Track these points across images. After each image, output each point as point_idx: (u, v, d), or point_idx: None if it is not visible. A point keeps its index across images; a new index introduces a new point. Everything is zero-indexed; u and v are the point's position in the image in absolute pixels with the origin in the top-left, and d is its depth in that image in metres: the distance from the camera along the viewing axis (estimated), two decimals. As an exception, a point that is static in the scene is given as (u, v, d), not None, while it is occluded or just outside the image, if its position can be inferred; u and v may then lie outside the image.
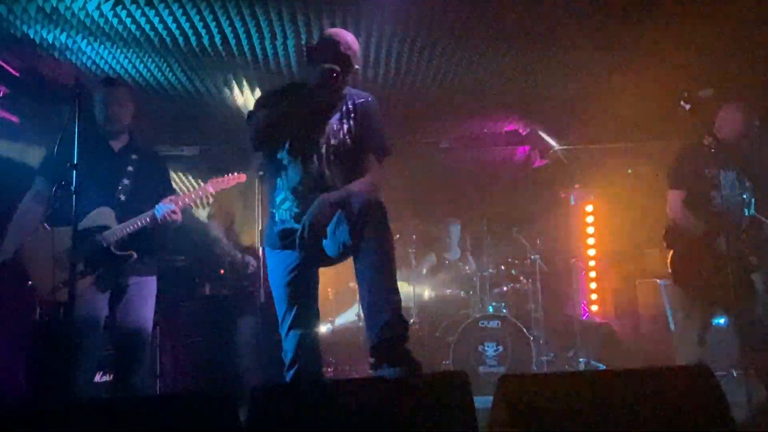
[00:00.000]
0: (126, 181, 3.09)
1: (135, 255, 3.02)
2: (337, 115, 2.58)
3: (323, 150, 2.52)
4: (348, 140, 2.56)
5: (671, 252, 3.62)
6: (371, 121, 2.61)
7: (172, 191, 3.27)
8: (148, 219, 3.02)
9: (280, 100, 2.54)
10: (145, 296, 3.12)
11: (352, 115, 2.58)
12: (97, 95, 3.15)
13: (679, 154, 3.65)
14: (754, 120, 3.52)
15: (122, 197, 3.05)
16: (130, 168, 3.12)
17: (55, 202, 2.93)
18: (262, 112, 2.52)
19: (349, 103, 2.60)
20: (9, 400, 3.63)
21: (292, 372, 2.49)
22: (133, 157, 3.16)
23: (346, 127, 2.57)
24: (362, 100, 2.62)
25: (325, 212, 2.35)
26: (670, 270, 3.63)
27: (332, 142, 2.54)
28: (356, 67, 2.58)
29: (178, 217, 3.07)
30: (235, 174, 3.33)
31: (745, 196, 3.50)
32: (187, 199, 3.13)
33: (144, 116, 5.28)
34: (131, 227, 3.01)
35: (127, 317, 3.05)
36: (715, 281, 3.37)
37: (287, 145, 2.53)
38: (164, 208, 3.01)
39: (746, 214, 3.48)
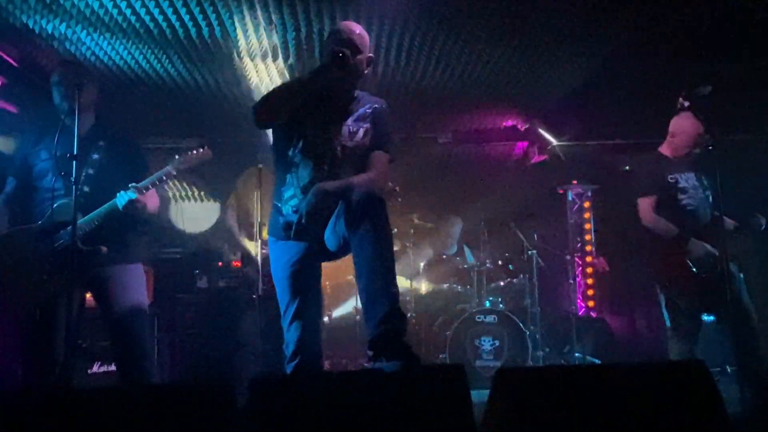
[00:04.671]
0: (90, 171, 2.89)
1: (105, 249, 2.85)
2: (352, 118, 2.59)
3: (338, 151, 2.53)
4: (363, 143, 2.58)
5: (652, 257, 3.74)
6: (385, 126, 2.64)
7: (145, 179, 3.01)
8: (110, 210, 2.84)
9: (290, 84, 2.59)
10: (127, 284, 2.96)
11: (368, 118, 2.60)
12: (54, 77, 2.95)
13: (638, 164, 3.86)
14: (701, 128, 3.64)
15: (86, 188, 2.85)
16: (95, 156, 2.93)
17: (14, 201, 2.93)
18: (271, 90, 2.56)
19: (366, 107, 2.62)
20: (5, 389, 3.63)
21: (293, 364, 2.50)
22: (100, 143, 2.97)
23: (362, 130, 2.58)
24: (377, 105, 2.65)
25: (322, 200, 2.36)
26: (654, 274, 3.76)
27: (347, 144, 2.55)
28: (368, 54, 2.60)
29: (146, 203, 2.90)
30: (199, 151, 3.01)
31: (707, 194, 3.68)
32: (149, 184, 2.90)
33: (143, 108, 5.34)
34: (95, 221, 2.84)
35: (113, 309, 2.93)
36: (696, 279, 3.53)
37: (300, 144, 2.53)
38: (125, 197, 2.81)
39: (710, 211, 3.66)
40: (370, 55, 2.63)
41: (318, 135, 2.53)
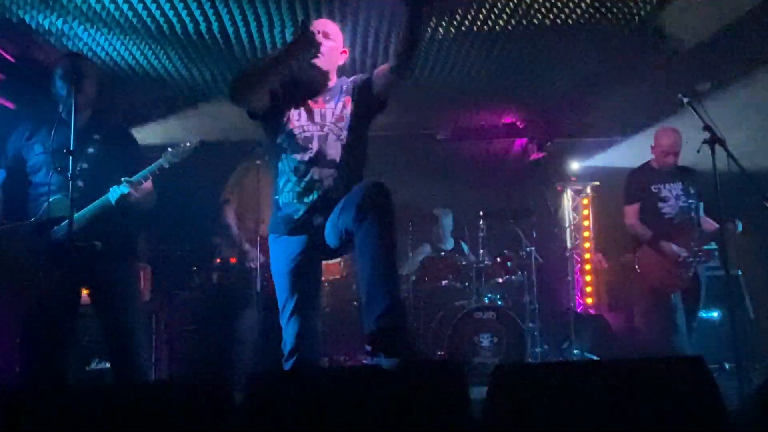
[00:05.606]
0: (85, 165, 2.86)
1: (99, 245, 2.83)
2: (336, 100, 2.65)
3: (325, 131, 2.58)
4: (349, 118, 2.63)
5: (635, 254, 4.36)
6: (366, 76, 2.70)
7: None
8: (103, 205, 2.84)
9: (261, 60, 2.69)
10: (122, 281, 2.95)
11: (348, 94, 2.66)
12: (59, 69, 2.93)
13: (629, 175, 4.42)
14: (680, 141, 4.19)
15: (80, 183, 2.78)
16: (90, 150, 2.91)
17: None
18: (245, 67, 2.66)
19: (344, 85, 2.69)
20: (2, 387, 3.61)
21: (291, 362, 2.50)
22: (96, 137, 2.94)
23: (341, 104, 2.64)
24: (355, 77, 2.72)
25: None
26: (637, 268, 4.35)
27: (334, 125, 2.60)
28: (342, 47, 2.71)
29: (139, 198, 2.89)
30: (192, 143, 3.02)
31: (691, 203, 4.21)
32: (142, 178, 2.89)
33: (141, 104, 5.32)
34: (89, 216, 2.82)
35: (107, 306, 2.93)
36: (665, 275, 4.14)
37: (287, 130, 2.58)
38: (117, 191, 2.81)
39: (693, 217, 4.20)
40: (345, 49, 2.73)
41: (303, 119, 2.60)
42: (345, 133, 2.60)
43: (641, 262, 4.30)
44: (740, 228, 4.16)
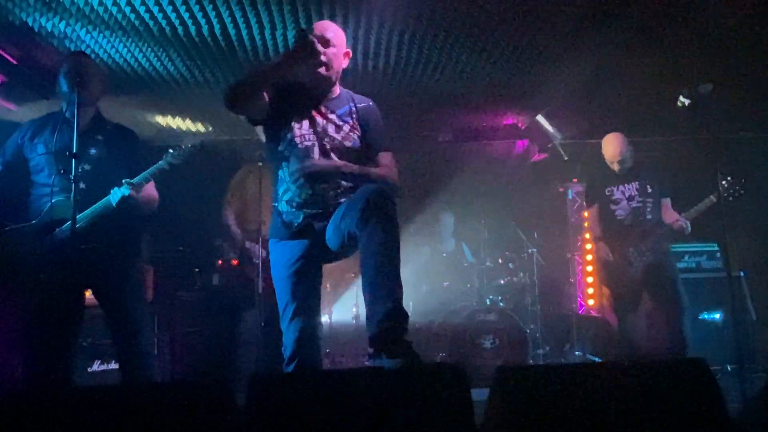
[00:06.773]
0: (87, 166, 2.86)
1: (102, 247, 2.85)
2: (338, 113, 2.62)
3: (325, 142, 2.55)
4: (352, 136, 2.61)
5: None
6: (379, 125, 2.68)
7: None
8: (104, 207, 2.84)
9: (259, 68, 2.75)
10: (127, 282, 2.96)
11: (355, 115, 2.64)
12: (63, 67, 2.93)
13: (587, 179, 4.63)
14: (625, 145, 4.34)
15: (82, 185, 2.77)
16: (93, 150, 2.91)
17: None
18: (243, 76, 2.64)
19: (352, 104, 2.66)
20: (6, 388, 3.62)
21: (291, 367, 2.50)
22: (98, 137, 2.94)
23: (347, 126, 2.61)
24: (364, 104, 2.69)
25: (331, 171, 2.45)
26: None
27: (335, 136, 2.57)
28: (344, 49, 2.66)
29: (140, 200, 2.89)
30: (192, 144, 3.03)
31: (648, 201, 4.26)
32: (143, 180, 2.89)
33: (142, 106, 5.33)
34: (90, 218, 2.82)
35: (114, 307, 2.94)
36: (609, 275, 4.34)
37: (288, 138, 2.55)
38: (118, 193, 2.81)
39: (648, 217, 4.24)
40: (347, 50, 2.69)
41: (304, 128, 2.57)
42: (350, 152, 2.59)
43: (595, 263, 4.74)
44: (689, 229, 4.21)
